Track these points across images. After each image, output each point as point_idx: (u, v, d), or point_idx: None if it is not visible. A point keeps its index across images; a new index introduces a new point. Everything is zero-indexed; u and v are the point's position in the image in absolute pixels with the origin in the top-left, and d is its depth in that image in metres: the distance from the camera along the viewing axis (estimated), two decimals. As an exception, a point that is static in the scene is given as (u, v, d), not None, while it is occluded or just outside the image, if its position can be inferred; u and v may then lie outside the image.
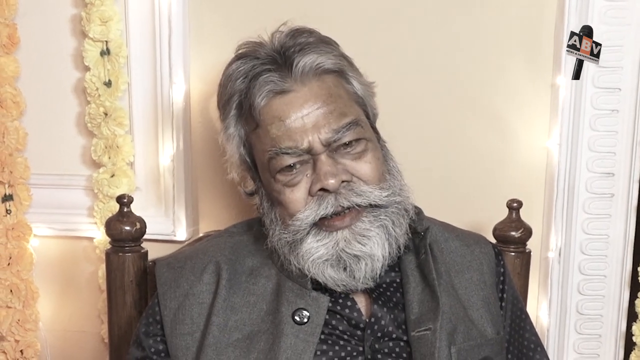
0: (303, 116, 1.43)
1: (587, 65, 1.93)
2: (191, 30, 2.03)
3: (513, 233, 1.80)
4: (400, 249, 1.49)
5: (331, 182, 1.41)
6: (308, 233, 1.44)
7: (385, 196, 1.46)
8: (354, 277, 1.44)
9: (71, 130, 2.10)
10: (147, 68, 2.02)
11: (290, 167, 1.44)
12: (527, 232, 1.81)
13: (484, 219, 1.94)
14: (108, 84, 1.99)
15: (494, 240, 1.80)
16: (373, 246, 1.44)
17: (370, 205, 1.45)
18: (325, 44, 1.51)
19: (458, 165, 2.03)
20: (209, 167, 2.10)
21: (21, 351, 2.14)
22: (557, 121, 1.96)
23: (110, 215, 1.84)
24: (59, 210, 2.13)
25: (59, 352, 2.23)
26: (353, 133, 1.45)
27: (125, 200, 1.76)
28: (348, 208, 1.43)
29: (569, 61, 1.93)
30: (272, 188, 1.47)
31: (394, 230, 1.47)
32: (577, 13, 1.90)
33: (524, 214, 1.83)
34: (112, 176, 2.03)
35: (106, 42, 1.98)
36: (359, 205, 1.43)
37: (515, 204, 1.81)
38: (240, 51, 1.55)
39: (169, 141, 2.03)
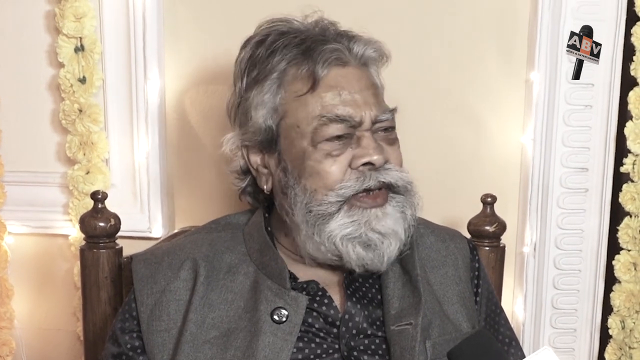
0: (357, 92, 1.48)
1: (561, 61, 1.95)
2: (165, 26, 2.02)
3: (487, 228, 1.82)
4: (406, 243, 1.51)
5: (379, 158, 1.44)
6: (340, 209, 1.44)
7: (411, 183, 1.50)
8: (380, 257, 1.45)
9: (46, 127, 2.09)
10: (121, 64, 2.01)
11: (337, 138, 1.45)
12: (501, 227, 1.82)
13: (459, 213, 1.94)
14: (82, 80, 1.98)
15: (468, 235, 1.80)
16: (399, 227, 1.47)
17: (394, 191, 1.48)
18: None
19: (433, 161, 2.04)
20: (185, 163, 2.09)
21: (-4, 349, 2.13)
22: (531, 117, 1.98)
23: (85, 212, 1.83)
24: (34, 208, 2.11)
25: (34, 350, 2.21)
26: (393, 121, 1.53)
27: (99, 197, 1.74)
28: (380, 188, 1.46)
29: (542, 57, 1.94)
30: (308, 157, 1.46)
31: (410, 220, 1.50)
32: (550, 9, 1.93)
33: (499, 209, 1.84)
34: (87, 173, 2.03)
35: (80, 38, 1.97)
36: (391, 187, 1.47)
37: (489, 199, 1.82)
38: (273, 26, 1.56)
39: (144, 137, 2.03)
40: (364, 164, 1.45)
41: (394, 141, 1.52)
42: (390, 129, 1.52)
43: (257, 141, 1.54)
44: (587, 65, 1.95)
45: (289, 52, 1.50)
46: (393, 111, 1.53)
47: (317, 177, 1.45)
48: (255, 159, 1.56)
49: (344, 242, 1.44)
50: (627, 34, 1.95)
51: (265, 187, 1.56)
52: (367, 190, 1.45)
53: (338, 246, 1.44)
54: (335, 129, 1.45)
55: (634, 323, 2.05)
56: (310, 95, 1.47)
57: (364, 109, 1.47)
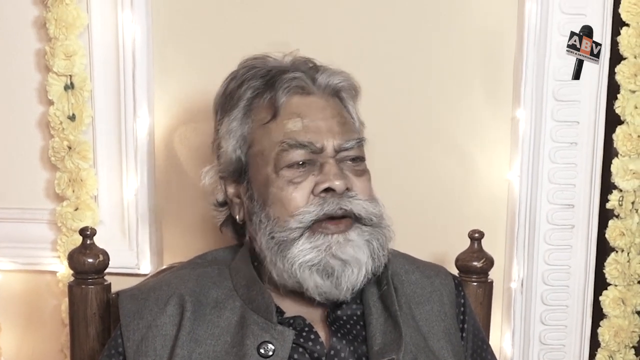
0: (320, 119, 1.49)
1: (547, 99, 1.97)
2: (155, 64, 2.04)
3: (475, 263, 1.82)
4: (375, 273, 1.50)
5: (339, 183, 1.44)
6: (302, 235, 1.44)
7: (378, 215, 1.49)
8: (339, 285, 1.44)
9: (35, 163, 2.10)
10: (111, 102, 2.03)
11: (299, 165, 1.46)
12: (489, 263, 1.83)
13: (446, 249, 1.95)
14: (72, 117, 1.99)
15: (456, 271, 1.81)
16: (362, 255, 1.45)
17: (360, 222, 1.47)
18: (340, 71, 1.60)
19: (421, 197, 2.05)
20: (174, 200, 2.10)
21: (-17, 387, 2.12)
22: (517, 154, 2.00)
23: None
24: (22, 244, 2.11)
25: (21, 387, 2.20)
26: (360, 150, 1.53)
27: (88, 233, 1.74)
28: (343, 217, 1.45)
29: (528, 95, 1.96)
30: (271, 184, 1.47)
31: (378, 251, 1.48)
32: (536, 48, 1.95)
33: (486, 245, 1.85)
34: (76, 209, 2.03)
35: (70, 76, 1.99)
36: (355, 216, 1.46)
37: (476, 235, 1.83)
38: (246, 62, 1.60)
39: (133, 174, 2.03)
40: (325, 190, 1.45)
41: (362, 172, 1.52)
42: (358, 159, 1.52)
43: (230, 171, 1.56)
44: (572, 103, 1.97)
45: (255, 82, 1.54)
46: (360, 141, 1.53)
47: (280, 204, 1.46)
48: (231, 189, 1.59)
49: (303, 268, 1.43)
50: (611, 72, 1.97)
51: (237, 216, 1.58)
52: (331, 218, 1.45)
53: (296, 272, 1.44)
54: (297, 155, 1.46)
55: (622, 358, 2.05)
56: (273, 122, 1.50)
57: (326, 137, 1.48)
